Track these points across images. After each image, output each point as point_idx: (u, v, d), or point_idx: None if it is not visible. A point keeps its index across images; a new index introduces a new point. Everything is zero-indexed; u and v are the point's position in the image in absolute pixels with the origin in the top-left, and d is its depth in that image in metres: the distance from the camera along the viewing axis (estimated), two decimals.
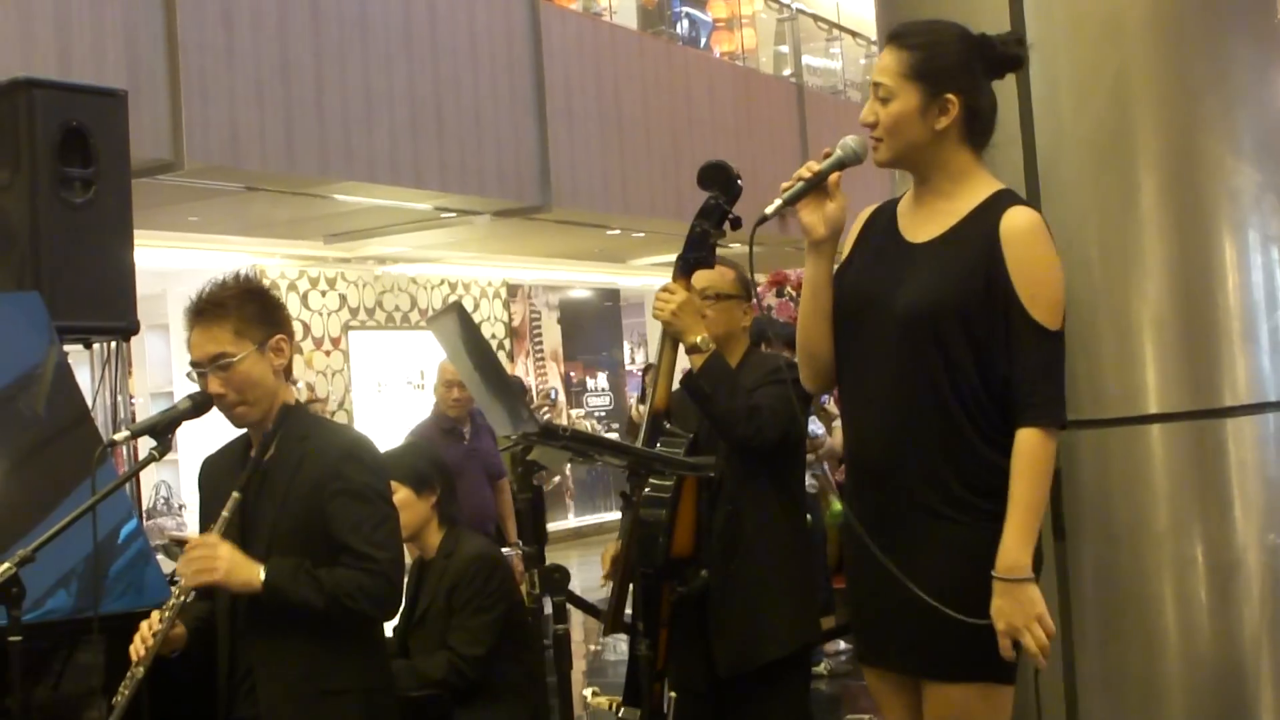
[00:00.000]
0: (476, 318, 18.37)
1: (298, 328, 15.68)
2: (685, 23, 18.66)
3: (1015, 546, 3.22)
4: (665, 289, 4.23)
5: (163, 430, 3.67)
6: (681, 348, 4.25)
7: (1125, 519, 3.88)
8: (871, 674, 3.56)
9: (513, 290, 19.24)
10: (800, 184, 3.47)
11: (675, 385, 4.32)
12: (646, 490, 4.05)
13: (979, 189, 3.42)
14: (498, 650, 5.01)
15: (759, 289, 10.26)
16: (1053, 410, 3.27)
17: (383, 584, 3.77)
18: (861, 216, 3.65)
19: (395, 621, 5.06)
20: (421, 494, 5.14)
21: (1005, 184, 3.49)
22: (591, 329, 21.12)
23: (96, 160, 5.64)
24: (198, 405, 3.77)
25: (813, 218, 3.50)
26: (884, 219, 3.58)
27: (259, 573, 3.70)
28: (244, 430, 4.02)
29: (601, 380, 21.01)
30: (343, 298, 16.57)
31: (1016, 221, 3.33)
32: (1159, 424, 3.87)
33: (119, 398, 6.20)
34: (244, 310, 3.89)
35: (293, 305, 15.80)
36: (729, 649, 4.40)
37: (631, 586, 4.20)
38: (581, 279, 20.54)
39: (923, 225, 3.47)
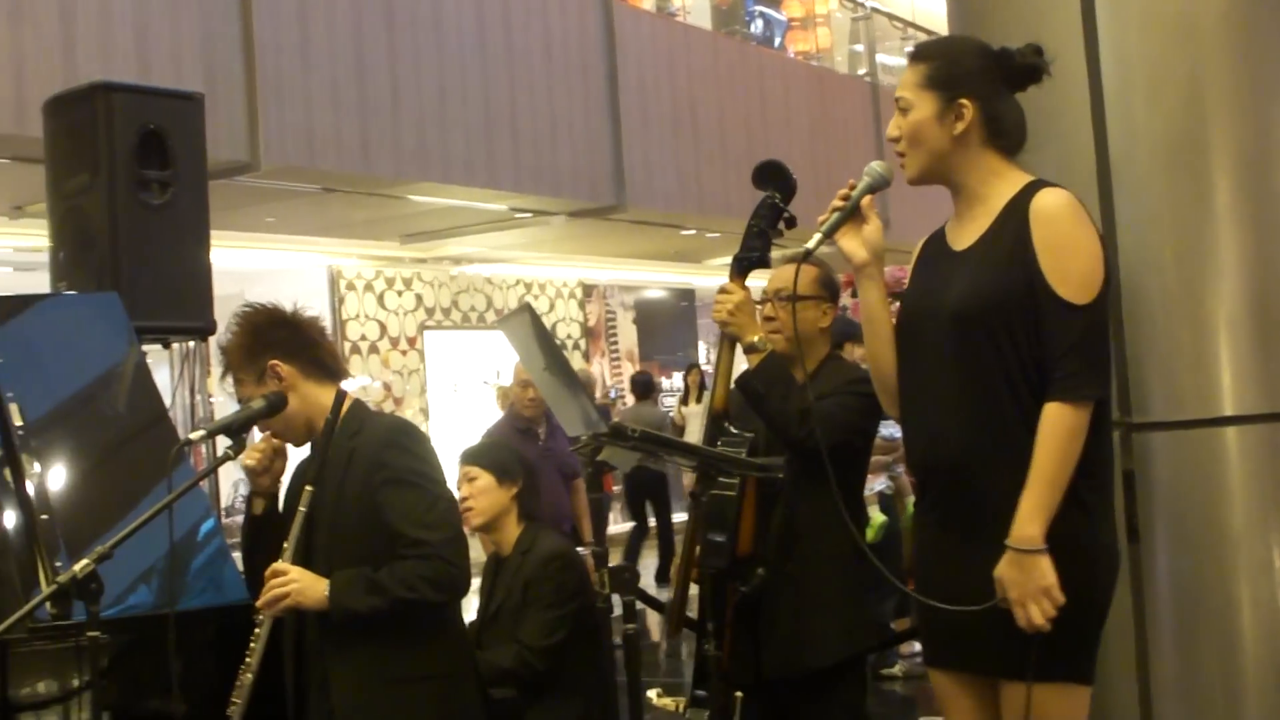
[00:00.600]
0: (551, 318, 18.43)
1: (374, 327, 15.81)
2: (760, 22, 18.65)
3: (1029, 518, 3.22)
4: (723, 289, 4.27)
5: (237, 429, 3.72)
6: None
7: (1200, 522, 3.85)
8: (941, 676, 3.54)
9: (588, 290, 19.28)
10: (836, 215, 3.52)
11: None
12: (712, 491, 4.05)
13: (1011, 185, 3.45)
14: (569, 649, 5.04)
15: None
16: (1078, 385, 3.26)
17: (441, 566, 3.80)
18: (918, 246, 3.67)
19: (472, 617, 5.12)
20: (503, 483, 5.21)
21: (1072, 184, 3.49)
22: (667, 329, 21.14)
23: (174, 162, 5.69)
24: (271, 405, 3.83)
25: (852, 244, 3.55)
26: (936, 239, 3.63)
27: (325, 589, 3.77)
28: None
29: (677, 380, 20.99)
30: (419, 297, 16.65)
31: (1042, 202, 3.35)
32: (1234, 426, 3.83)
33: (197, 397, 6.26)
34: (238, 354, 4.03)
35: (369, 305, 15.93)
36: (776, 653, 4.40)
37: (696, 587, 4.21)
38: (657, 279, 20.56)
39: (965, 232, 3.51)
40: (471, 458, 5.28)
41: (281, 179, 11.18)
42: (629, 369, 19.86)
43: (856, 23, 19.53)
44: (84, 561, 3.29)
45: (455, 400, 16.69)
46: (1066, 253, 3.31)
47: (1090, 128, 3.94)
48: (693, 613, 4.29)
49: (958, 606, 3.32)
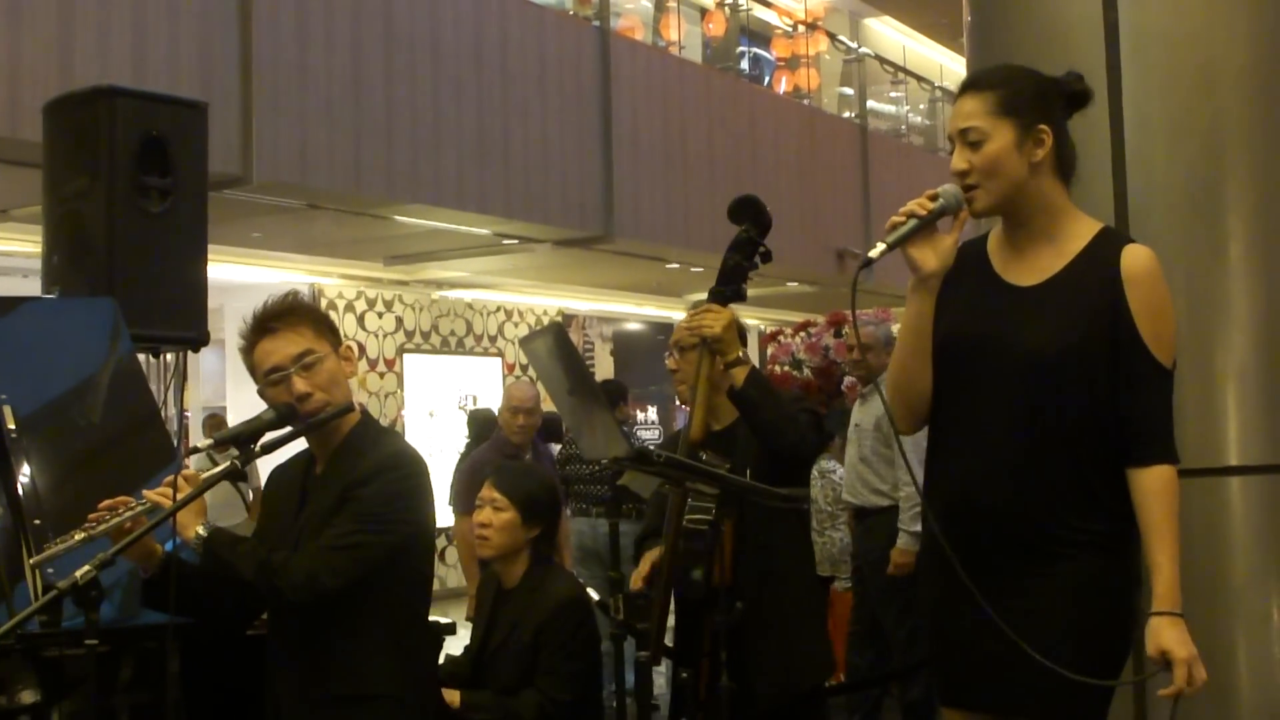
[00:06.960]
0: None
1: (353, 348, 15.73)
2: (748, 60, 18.70)
3: (1178, 584, 3.23)
4: (706, 307, 4.28)
5: (246, 440, 3.61)
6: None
7: (1202, 571, 3.83)
8: (957, 716, 3.47)
9: (568, 319, 19.27)
10: (910, 225, 3.31)
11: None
12: (686, 523, 4.04)
13: (1080, 228, 3.38)
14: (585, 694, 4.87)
15: (816, 330, 9.73)
16: (1173, 447, 3.28)
17: (272, 586, 3.67)
18: None
19: (467, 643, 5.02)
20: (527, 524, 4.86)
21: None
22: (644, 362, 21.10)
23: (175, 170, 5.65)
24: (282, 415, 3.70)
25: (923, 252, 3.36)
26: (972, 259, 3.48)
27: (198, 530, 3.66)
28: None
29: (652, 414, 20.99)
30: (399, 320, 16.61)
31: (1139, 261, 3.29)
32: (1238, 476, 3.84)
33: (175, 410, 6.20)
34: (316, 314, 3.95)
35: (349, 326, 15.87)
36: (772, 680, 4.38)
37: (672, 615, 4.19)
38: (636, 312, 20.56)
39: (1027, 268, 3.40)
40: (503, 485, 4.92)
41: (272, 194, 11.14)
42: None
43: (849, 65, 19.58)
44: (84, 568, 3.22)
45: (430, 425, 16.61)
46: (1162, 318, 3.28)
47: (1111, 176, 3.94)
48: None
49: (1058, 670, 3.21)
